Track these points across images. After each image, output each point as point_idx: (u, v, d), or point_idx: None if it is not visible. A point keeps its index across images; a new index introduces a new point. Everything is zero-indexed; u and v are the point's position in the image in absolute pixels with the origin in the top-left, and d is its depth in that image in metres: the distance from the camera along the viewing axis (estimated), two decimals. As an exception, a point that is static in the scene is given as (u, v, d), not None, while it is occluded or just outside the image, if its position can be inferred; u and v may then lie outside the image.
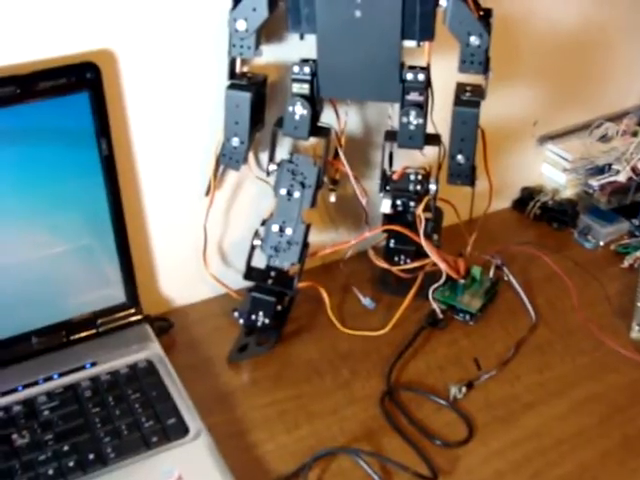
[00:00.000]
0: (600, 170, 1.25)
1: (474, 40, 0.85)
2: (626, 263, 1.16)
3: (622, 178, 1.22)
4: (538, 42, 1.15)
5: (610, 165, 1.24)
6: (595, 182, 1.23)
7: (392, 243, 1.06)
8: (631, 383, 0.96)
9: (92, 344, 0.94)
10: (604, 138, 1.27)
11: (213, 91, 0.93)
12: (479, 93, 0.91)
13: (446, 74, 0.90)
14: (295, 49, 0.91)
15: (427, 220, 1.01)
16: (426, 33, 0.86)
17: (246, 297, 1.00)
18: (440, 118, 0.95)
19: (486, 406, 0.92)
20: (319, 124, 0.95)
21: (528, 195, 1.28)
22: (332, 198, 1.02)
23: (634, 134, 1.28)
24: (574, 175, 1.25)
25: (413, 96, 0.89)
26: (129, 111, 0.90)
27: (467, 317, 1.03)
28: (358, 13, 0.85)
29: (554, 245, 1.19)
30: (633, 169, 1.23)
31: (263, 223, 0.98)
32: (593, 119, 1.28)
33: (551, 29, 1.15)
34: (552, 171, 1.27)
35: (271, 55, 0.95)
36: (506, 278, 1.09)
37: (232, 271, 1.06)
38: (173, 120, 0.94)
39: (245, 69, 0.93)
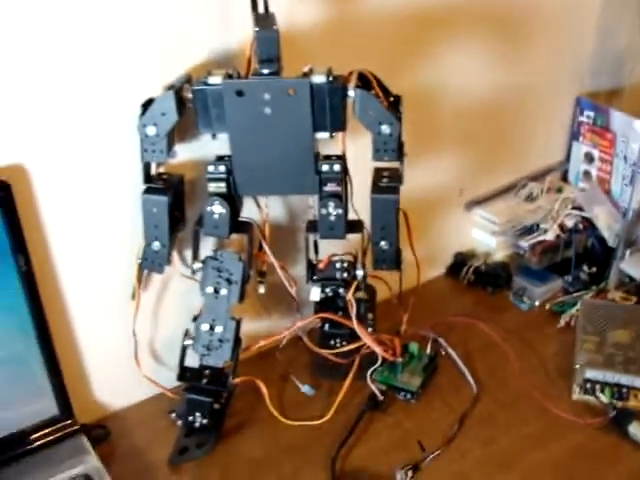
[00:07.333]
0: (529, 230, 1.26)
1: (385, 129, 0.86)
2: (562, 322, 1.17)
3: (550, 236, 1.24)
4: (456, 112, 1.17)
5: (538, 224, 1.26)
6: (525, 243, 1.24)
7: (326, 327, 1.05)
8: (576, 447, 0.96)
9: (26, 462, 0.92)
10: (530, 198, 1.29)
11: (130, 196, 0.92)
12: (397, 178, 0.91)
13: (366, 154, 0.90)
14: (210, 145, 0.91)
15: (360, 300, 1.01)
16: (337, 124, 0.87)
17: (182, 397, 0.98)
18: (361, 200, 0.95)
19: (433, 488, 0.91)
20: (240, 219, 0.95)
21: (461, 261, 1.29)
22: (261, 289, 1.02)
23: (558, 190, 1.31)
24: (504, 237, 1.26)
25: (330, 187, 0.90)
26: (46, 224, 0.89)
27: (408, 396, 1.03)
28: (268, 110, 0.86)
29: (490, 310, 1.20)
30: (560, 226, 1.25)
31: (195, 319, 0.96)
32: (517, 180, 1.31)
33: (467, 98, 1.17)
34: (482, 235, 1.28)
35: (186, 153, 0.94)
36: (444, 352, 1.09)
37: (166, 370, 1.04)
38: (92, 228, 0.93)
39: (161, 170, 0.92)
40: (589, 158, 1.31)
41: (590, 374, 1.01)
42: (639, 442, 0.94)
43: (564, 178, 1.36)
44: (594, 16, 1.28)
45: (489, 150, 1.25)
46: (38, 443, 0.93)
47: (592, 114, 1.29)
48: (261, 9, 0.84)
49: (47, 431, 0.94)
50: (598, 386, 1.01)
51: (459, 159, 1.21)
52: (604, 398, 1.00)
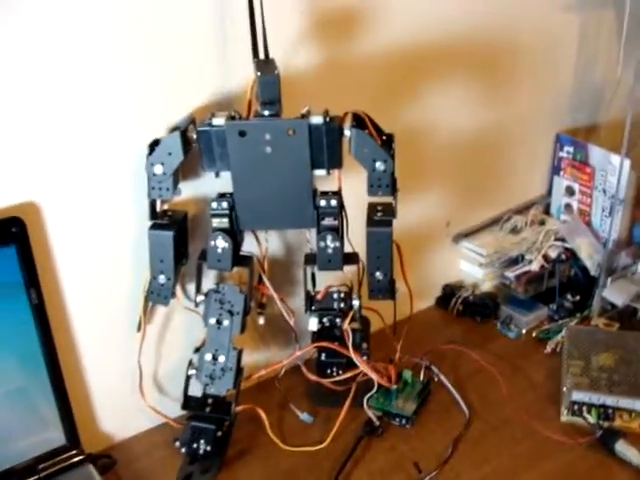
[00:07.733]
0: (514, 261, 1.30)
1: (379, 165, 0.90)
2: (548, 348, 1.21)
3: (535, 267, 1.28)
4: (442, 148, 1.21)
5: (523, 256, 1.30)
6: (511, 273, 1.28)
7: (323, 357, 1.08)
8: (566, 466, 0.99)
9: (34, 491, 0.94)
10: (514, 230, 1.33)
11: (136, 231, 0.96)
12: (390, 211, 0.96)
13: (360, 188, 0.94)
14: (212, 182, 0.95)
15: (355, 330, 1.05)
16: (334, 162, 0.92)
17: (186, 425, 1.01)
18: (357, 234, 0.99)
19: (430, 510, 0.94)
20: (241, 253, 0.98)
21: (450, 292, 1.32)
22: (261, 321, 1.05)
23: (541, 223, 1.35)
24: (490, 269, 1.30)
25: (328, 221, 0.94)
26: (57, 258, 0.92)
27: (403, 421, 1.06)
28: (268, 149, 0.90)
29: (479, 338, 1.23)
30: (544, 257, 1.29)
31: (196, 350, 1.00)
32: (502, 213, 1.35)
33: (453, 135, 1.21)
34: (469, 267, 1.32)
35: (190, 190, 0.98)
36: (436, 378, 1.13)
37: (169, 400, 1.07)
38: (100, 262, 0.96)
39: (165, 207, 0.96)
40: (570, 192, 1.35)
41: (577, 396, 1.05)
42: (625, 460, 0.98)
43: (547, 211, 1.40)
44: (573, 55, 1.33)
45: (474, 185, 1.29)
46: (46, 472, 0.95)
47: (572, 149, 1.33)
48: (261, 55, 0.89)
49: (55, 461, 0.96)
50: (585, 408, 1.04)
51: (446, 194, 1.26)
52: (591, 419, 1.03)
